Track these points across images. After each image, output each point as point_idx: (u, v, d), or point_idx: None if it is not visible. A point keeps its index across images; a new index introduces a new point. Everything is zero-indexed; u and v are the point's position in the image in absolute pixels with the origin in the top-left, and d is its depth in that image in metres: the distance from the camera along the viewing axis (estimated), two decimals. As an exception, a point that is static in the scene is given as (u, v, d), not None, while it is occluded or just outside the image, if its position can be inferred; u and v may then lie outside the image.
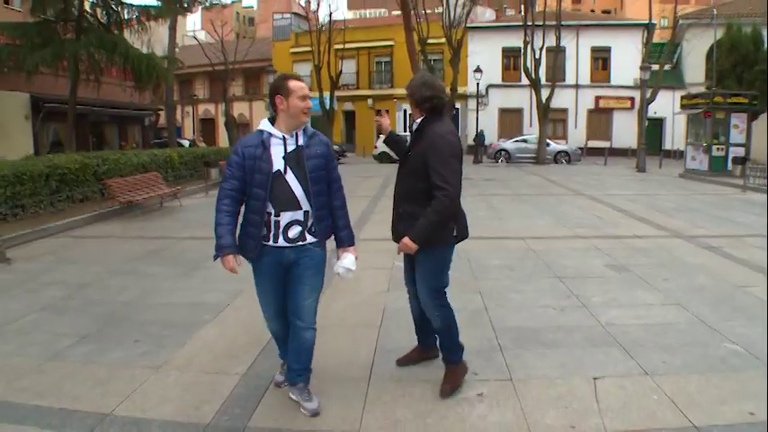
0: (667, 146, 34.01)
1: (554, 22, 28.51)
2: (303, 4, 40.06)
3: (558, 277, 6.68)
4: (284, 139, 3.37)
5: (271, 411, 3.59)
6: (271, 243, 3.39)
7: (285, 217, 3.36)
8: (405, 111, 35.05)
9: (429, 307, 3.67)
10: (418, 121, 3.62)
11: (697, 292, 6.07)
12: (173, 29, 26.45)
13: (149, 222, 11.59)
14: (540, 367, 4.18)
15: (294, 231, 3.39)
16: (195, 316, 5.44)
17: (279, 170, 3.33)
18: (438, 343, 3.89)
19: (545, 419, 3.43)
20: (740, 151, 20.69)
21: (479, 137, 29.98)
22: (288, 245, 3.39)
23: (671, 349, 4.48)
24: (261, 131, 3.40)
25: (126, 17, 19.68)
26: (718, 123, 21.00)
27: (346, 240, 3.63)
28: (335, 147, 29.73)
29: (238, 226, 3.43)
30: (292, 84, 3.36)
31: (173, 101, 27.47)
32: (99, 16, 19.26)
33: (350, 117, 38.89)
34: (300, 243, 3.41)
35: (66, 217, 11.10)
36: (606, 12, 70.89)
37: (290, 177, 3.34)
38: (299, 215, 3.39)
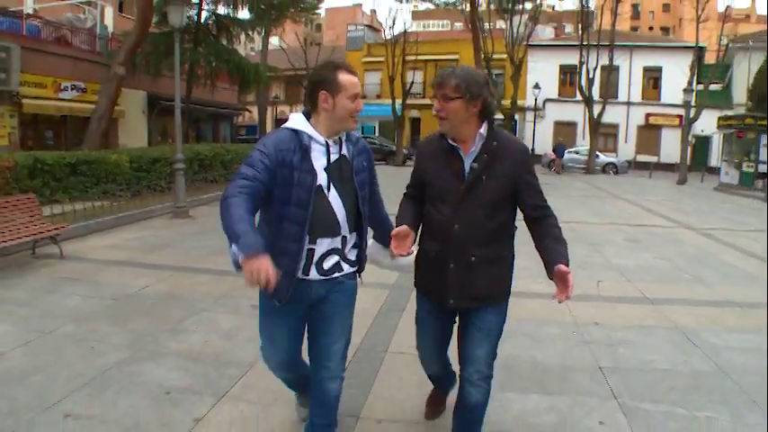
0: (713, 162, 35.66)
1: (608, 43, 30.95)
2: (376, 21, 43.34)
3: (589, 243, 9.76)
4: (327, 145, 2.64)
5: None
6: (299, 275, 2.66)
7: (322, 245, 2.67)
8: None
9: (485, 378, 2.82)
10: (482, 131, 2.67)
11: (681, 254, 9.12)
12: (266, 38, 30.35)
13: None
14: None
15: (330, 262, 2.71)
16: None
17: (321, 185, 2.60)
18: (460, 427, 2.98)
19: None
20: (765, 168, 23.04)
21: (560, 148, 31.90)
22: (320, 277, 2.70)
23: (649, 274, 7.64)
24: (296, 131, 2.60)
25: (233, 30, 23.51)
26: (749, 143, 23.56)
27: None
28: (405, 150, 32.82)
29: None
30: (344, 78, 2.57)
31: (264, 102, 31.21)
32: (211, 29, 23.06)
33: (416, 123, 42.05)
34: (335, 275, 2.73)
35: (206, 193, 14.60)
36: (664, 29, 72.13)
37: (333, 196, 2.64)
38: (337, 242, 2.71)
